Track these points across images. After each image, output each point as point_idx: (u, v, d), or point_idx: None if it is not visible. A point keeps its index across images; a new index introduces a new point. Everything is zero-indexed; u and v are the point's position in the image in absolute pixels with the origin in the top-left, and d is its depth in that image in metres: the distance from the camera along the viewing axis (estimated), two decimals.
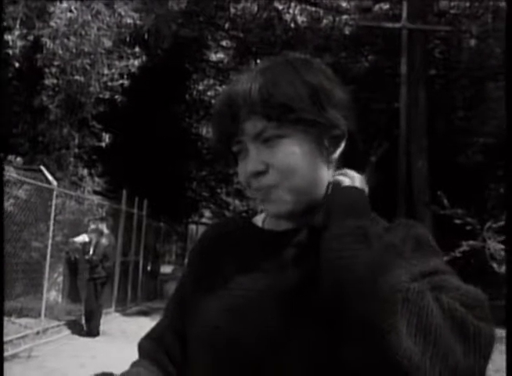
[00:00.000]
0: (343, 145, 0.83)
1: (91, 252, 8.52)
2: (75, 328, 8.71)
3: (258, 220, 0.93)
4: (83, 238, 8.76)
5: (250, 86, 0.80)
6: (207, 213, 30.46)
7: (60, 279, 10.22)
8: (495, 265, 12.22)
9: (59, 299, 10.15)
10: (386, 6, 14.23)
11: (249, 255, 0.85)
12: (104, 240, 8.61)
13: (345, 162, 0.85)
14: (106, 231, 8.84)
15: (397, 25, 11.84)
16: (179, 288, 0.94)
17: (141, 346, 0.92)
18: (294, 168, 0.79)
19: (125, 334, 8.71)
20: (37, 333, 7.66)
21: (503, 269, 13.34)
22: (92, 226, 8.86)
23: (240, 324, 0.77)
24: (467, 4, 13.92)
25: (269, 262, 0.82)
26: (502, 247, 11.79)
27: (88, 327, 8.40)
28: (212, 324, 0.79)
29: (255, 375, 0.73)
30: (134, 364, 0.89)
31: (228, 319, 0.78)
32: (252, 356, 0.74)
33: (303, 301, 0.75)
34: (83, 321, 8.67)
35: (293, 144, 0.79)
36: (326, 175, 0.83)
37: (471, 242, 11.63)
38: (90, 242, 8.62)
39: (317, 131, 0.80)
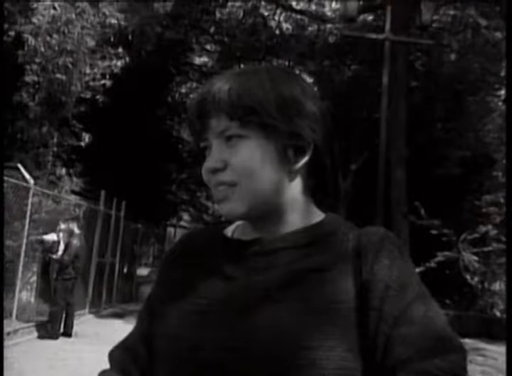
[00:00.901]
0: (307, 157, 0.84)
1: (59, 252, 8.34)
2: (47, 329, 8.57)
3: (228, 231, 0.93)
4: (51, 237, 8.56)
5: (221, 86, 0.82)
6: (186, 216, 30.35)
7: (34, 279, 10.07)
8: (468, 277, 12.40)
9: (32, 299, 9.99)
10: (370, 17, 14.39)
11: (214, 264, 0.85)
12: (76, 241, 8.44)
13: (310, 174, 0.86)
14: (77, 231, 8.64)
15: (380, 36, 11.96)
16: (150, 298, 0.94)
17: (111, 356, 0.92)
18: (251, 170, 0.80)
19: (98, 336, 8.61)
20: (8, 334, 7.54)
21: (476, 279, 13.56)
22: (62, 226, 8.66)
23: (200, 332, 0.77)
24: (449, 19, 14.17)
25: (233, 270, 0.82)
26: (476, 258, 11.97)
27: (52, 329, 8.13)
28: (173, 333, 0.80)
29: None
30: (101, 374, 0.88)
31: (189, 328, 0.78)
32: (212, 363, 0.74)
33: (265, 308, 0.75)
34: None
35: (253, 147, 0.81)
36: (287, 184, 0.83)
37: (446, 253, 11.77)
38: (58, 242, 8.44)
39: (279, 138, 0.81)
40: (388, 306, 0.74)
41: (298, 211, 0.85)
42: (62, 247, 8.44)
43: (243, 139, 0.81)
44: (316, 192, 0.88)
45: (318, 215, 0.87)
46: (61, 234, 8.52)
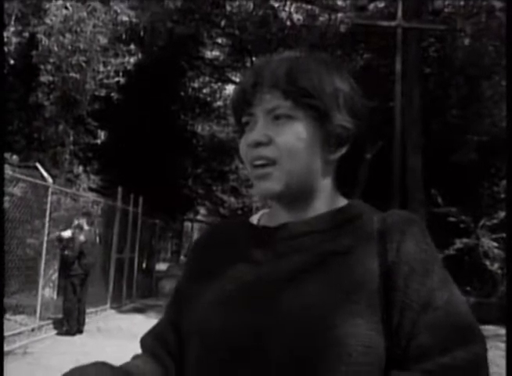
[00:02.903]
0: (345, 149, 0.87)
1: (69, 248, 8.26)
2: (64, 326, 8.66)
3: (254, 219, 0.96)
4: (68, 234, 8.52)
5: (280, 64, 0.85)
6: (203, 210, 30.51)
7: (55, 276, 10.23)
8: (488, 263, 12.30)
9: (55, 296, 10.16)
10: (381, 5, 14.26)
11: (242, 250, 0.88)
12: (82, 237, 8.31)
13: (342, 165, 0.88)
14: (85, 227, 8.56)
15: (392, 23, 11.86)
16: (178, 285, 0.98)
17: (142, 342, 0.96)
18: (295, 151, 0.82)
19: (120, 330, 8.73)
20: (33, 330, 7.68)
21: (496, 266, 13.45)
22: (75, 222, 8.59)
23: (230, 315, 0.79)
24: (462, 3, 13.97)
25: (261, 255, 0.85)
26: (496, 244, 11.87)
27: (68, 326, 8.12)
28: (203, 317, 0.82)
29: (242, 364, 0.76)
30: (133, 357, 0.92)
31: (219, 311, 0.81)
32: (240, 345, 0.77)
33: (290, 290, 0.77)
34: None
35: (300, 129, 0.83)
36: (322, 171, 0.86)
37: (465, 240, 11.69)
38: (72, 238, 8.33)
39: (326, 125, 0.84)
40: (413, 291, 0.75)
41: (325, 197, 0.88)
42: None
43: (292, 120, 0.83)
44: (342, 181, 0.90)
45: (342, 201, 0.90)
46: (75, 230, 8.47)
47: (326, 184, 0.88)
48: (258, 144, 0.83)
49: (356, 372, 0.71)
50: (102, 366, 0.79)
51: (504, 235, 12.01)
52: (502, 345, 8.72)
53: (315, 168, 0.85)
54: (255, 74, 0.86)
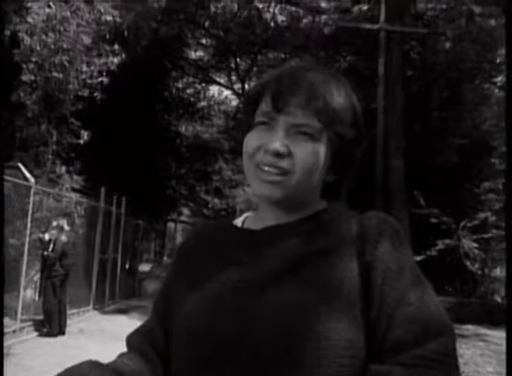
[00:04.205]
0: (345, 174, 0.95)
1: (50, 249, 8.20)
2: (45, 327, 8.59)
3: (238, 222, 1.00)
4: (48, 235, 8.47)
5: (315, 82, 0.87)
6: (186, 211, 30.40)
7: (37, 277, 10.12)
8: (468, 263, 12.46)
9: (36, 297, 10.06)
10: (365, 7, 14.38)
11: (227, 251, 0.91)
12: (63, 237, 8.31)
13: (334, 172, 0.93)
14: (66, 227, 8.54)
15: (375, 26, 11.97)
16: (165, 285, 1.00)
17: (128, 340, 0.98)
18: (311, 168, 0.86)
19: (103, 332, 8.69)
20: (14, 331, 7.61)
21: (477, 266, 13.62)
22: (54, 223, 8.55)
23: (216, 314, 0.82)
24: (443, 7, 14.14)
25: (245, 256, 0.88)
26: (476, 245, 12.03)
27: (49, 327, 8.09)
28: (190, 317, 0.85)
29: (229, 361, 0.78)
30: (119, 355, 0.93)
31: (205, 310, 0.84)
32: (225, 341, 0.79)
33: (272, 289, 0.81)
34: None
35: (321, 150, 0.87)
36: (319, 184, 0.91)
37: (446, 241, 11.83)
38: (50, 239, 8.29)
39: (337, 144, 0.89)
40: (389, 287, 0.79)
41: (311, 202, 0.92)
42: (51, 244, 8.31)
43: (315, 141, 0.86)
44: (329, 187, 0.95)
45: (320, 204, 0.93)
46: (53, 231, 8.41)
47: (316, 192, 0.93)
48: (277, 154, 0.85)
49: (339, 365, 0.75)
50: (93, 363, 0.83)
51: (484, 236, 12.20)
52: (481, 344, 8.86)
53: (317, 183, 0.89)
54: (292, 80, 0.88)
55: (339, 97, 0.88)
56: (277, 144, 0.84)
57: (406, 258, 0.83)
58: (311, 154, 0.85)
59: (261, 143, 0.87)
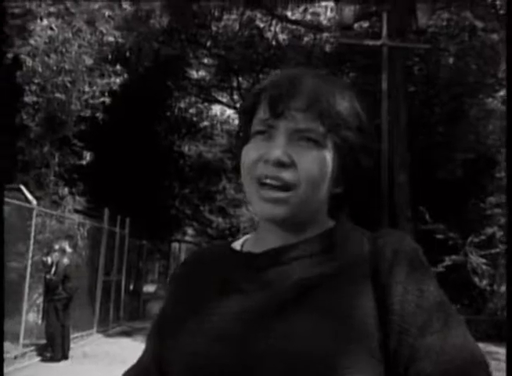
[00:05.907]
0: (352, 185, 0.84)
1: (52, 272, 8.07)
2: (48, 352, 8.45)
3: (237, 245, 0.89)
4: (51, 259, 8.35)
5: (317, 84, 0.78)
6: (190, 231, 30.32)
7: (40, 300, 10.02)
8: (476, 280, 12.31)
9: (39, 321, 9.94)
10: (366, 24, 14.46)
11: (226, 279, 0.82)
12: (65, 260, 8.16)
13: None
14: (68, 250, 8.41)
15: (377, 42, 12.00)
16: (159, 317, 0.91)
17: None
18: (316, 179, 0.76)
19: (108, 355, 8.54)
20: (15, 357, 7.47)
21: (485, 282, 13.46)
22: (56, 246, 8.42)
23: (216, 347, 0.74)
24: (445, 23, 14.21)
25: (245, 284, 0.79)
26: (484, 261, 11.91)
27: (52, 352, 7.95)
28: (189, 349, 0.76)
29: None
30: None
31: (205, 343, 0.75)
32: None
33: (279, 322, 0.72)
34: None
35: (327, 157, 0.77)
36: (325, 199, 0.81)
37: (453, 257, 11.71)
38: (52, 262, 8.16)
39: (347, 158, 0.80)
40: (409, 314, 0.70)
41: (317, 221, 0.82)
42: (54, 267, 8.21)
43: (319, 147, 0.77)
44: (336, 203, 0.85)
45: (328, 221, 0.84)
46: (55, 254, 8.31)
47: (323, 207, 0.82)
48: (280, 164, 0.75)
49: None
50: None
51: (492, 251, 12.07)
52: (494, 363, 8.69)
53: (324, 197, 0.79)
54: (290, 84, 0.78)
55: (342, 99, 0.78)
56: (278, 152, 0.74)
57: (427, 278, 0.74)
58: (316, 163, 0.75)
59: (260, 154, 0.76)
